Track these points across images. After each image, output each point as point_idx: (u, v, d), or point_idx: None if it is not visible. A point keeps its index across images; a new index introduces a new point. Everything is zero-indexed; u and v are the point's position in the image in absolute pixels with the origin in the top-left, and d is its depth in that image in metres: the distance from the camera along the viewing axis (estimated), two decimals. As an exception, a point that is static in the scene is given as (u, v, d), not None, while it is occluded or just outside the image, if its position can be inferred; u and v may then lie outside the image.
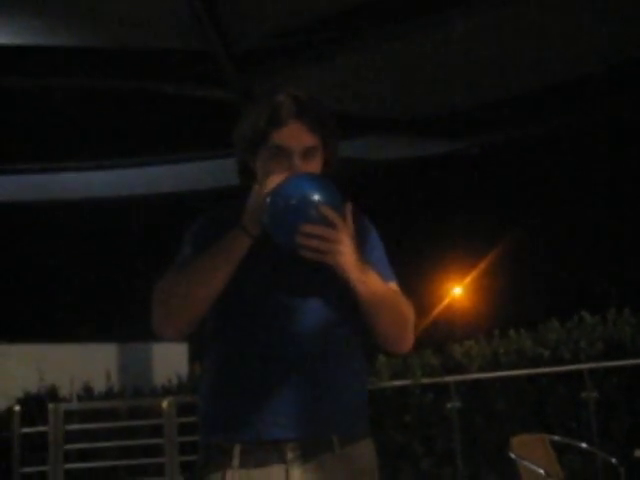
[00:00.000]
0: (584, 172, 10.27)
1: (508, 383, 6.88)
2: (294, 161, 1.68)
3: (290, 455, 1.62)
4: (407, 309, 1.77)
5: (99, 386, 8.59)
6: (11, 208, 8.56)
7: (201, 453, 1.72)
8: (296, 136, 1.70)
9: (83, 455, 6.46)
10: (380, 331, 1.75)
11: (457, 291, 13.16)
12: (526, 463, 4.78)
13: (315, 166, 1.73)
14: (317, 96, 1.80)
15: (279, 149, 1.69)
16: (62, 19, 5.23)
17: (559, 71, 6.57)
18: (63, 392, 8.52)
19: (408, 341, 1.80)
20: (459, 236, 10.89)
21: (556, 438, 5.15)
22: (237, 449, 1.63)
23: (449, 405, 6.90)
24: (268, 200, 1.57)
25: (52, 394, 8.31)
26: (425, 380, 7.12)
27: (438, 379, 7.08)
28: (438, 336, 8.20)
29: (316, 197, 1.55)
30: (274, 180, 1.61)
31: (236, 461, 1.63)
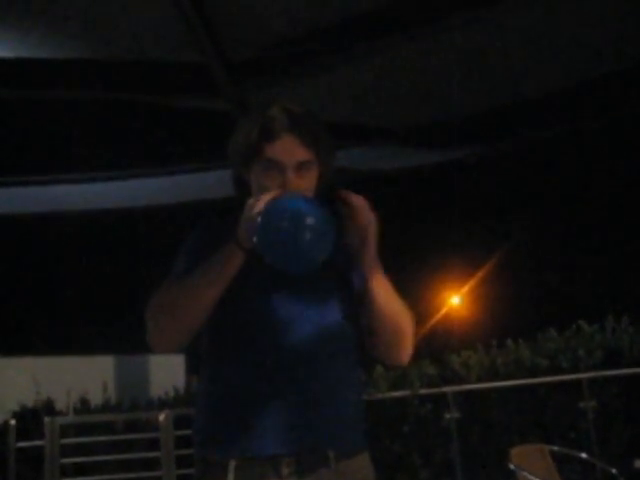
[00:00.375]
0: (582, 181, 10.28)
1: (506, 393, 6.86)
2: (287, 176, 1.66)
3: (285, 471, 1.60)
4: (409, 320, 1.77)
5: (96, 399, 8.55)
6: (8, 220, 8.54)
7: (197, 467, 1.70)
8: (289, 150, 1.67)
9: (80, 469, 6.42)
10: (382, 341, 1.74)
11: (455, 300, 13.15)
12: (526, 474, 4.75)
13: (309, 180, 1.70)
14: (311, 109, 1.77)
15: (272, 163, 1.67)
16: (57, 32, 5.23)
17: (555, 79, 6.57)
18: (60, 405, 8.48)
19: (408, 353, 1.79)
20: (456, 245, 10.89)
21: (555, 448, 5.12)
22: (232, 464, 1.61)
23: (447, 416, 6.87)
24: (259, 220, 1.53)
25: (48, 407, 8.27)
26: (423, 391, 7.10)
27: (436, 390, 7.05)
28: (436, 346, 8.18)
29: (308, 220, 1.52)
30: (265, 199, 1.58)
31: (231, 476, 1.60)
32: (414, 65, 6.14)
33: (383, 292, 1.70)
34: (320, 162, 1.73)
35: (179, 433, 5.65)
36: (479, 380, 7.04)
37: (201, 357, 1.75)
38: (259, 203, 1.58)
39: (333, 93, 6.30)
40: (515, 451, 4.99)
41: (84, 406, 8.35)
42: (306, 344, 1.65)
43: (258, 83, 5.58)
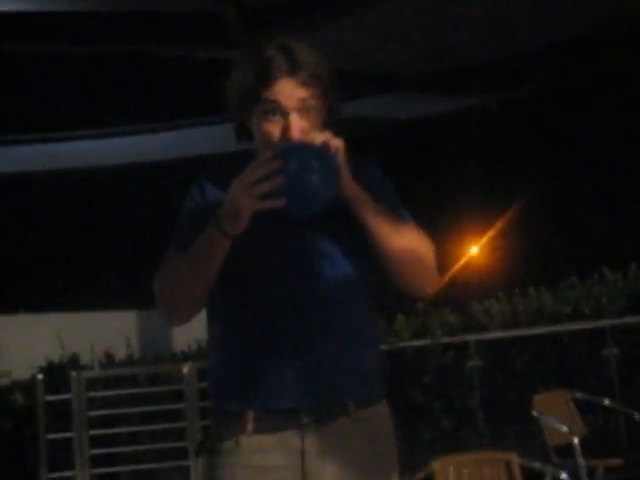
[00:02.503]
0: (608, 125, 10.07)
1: (529, 341, 6.84)
2: (289, 118, 1.58)
3: (305, 420, 1.59)
4: (424, 246, 1.68)
5: (120, 353, 8.64)
6: (22, 178, 8.56)
7: (212, 419, 1.69)
8: (288, 91, 1.58)
9: (106, 421, 6.52)
10: (397, 274, 1.66)
11: (475, 250, 13.08)
12: (548, 420, 4.76)
13: (314, 120, 1.62)
14: (323, 54, 1.67)
15: (271, 106, 1.59)
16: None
17: (578, 24, 6.41)
18: (85, 360, 8.59)
19: (431, 282, 1.72)
20: (477, 194, 10.77)
21: (578, 395, 5.12)
22: (251, 414, 1.60)
23: (469, 364, 6.88)
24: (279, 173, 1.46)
25: (74, 362, 8.38)
26: (445, 339, 7.09)
27: (458, 338, 7.04)
28: (457, 295, 8.14)
29: (313, 162, 1.48)
30: (255, 169, 1.49)
31: (250, 426, 1.59)
32: (431, 11, 6.01)
33: (379, 221, 1.60)
34: (324, 99, 1.64)
35: (203, 385, 5.72)
36: (501, 328, 7.02)
37: (212, 308, 1.71)
38: (248, 175, 1.49)
39: (349, 41, 6.19)
40: (538, 398, 5.00)
41: (109, 360, 8.44)
42: (321, 293, 1.62)
43: (274, 32, 5.48)
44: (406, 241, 1.64)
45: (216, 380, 1.69)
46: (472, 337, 6.95)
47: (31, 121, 7.67)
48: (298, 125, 1.58)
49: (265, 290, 1.63)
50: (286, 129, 1.58)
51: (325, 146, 1.52)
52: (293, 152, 1.50)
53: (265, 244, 1.63)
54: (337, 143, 1.53)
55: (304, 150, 1.51)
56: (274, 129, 1.59)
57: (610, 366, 6.33)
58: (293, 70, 1.59)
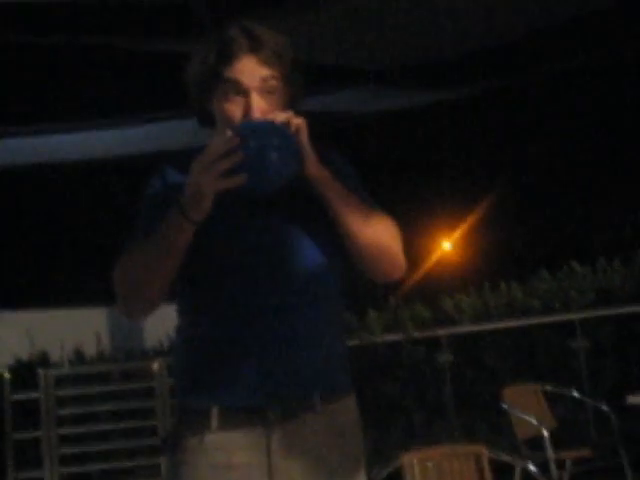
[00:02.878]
0: (568, 119, 10.18)
1: (499, 335, 6.89)
2: (251, 98, 1.55)
3: (271, 416, 1.57)
4: (389, 228, 1.65)
5: (90, 350, 8.54)
6: None
7: (177, 416, 1.67)
8: (249, 70, 1.56)
9: (76, 419, 6.45)
10: (369, 256, 1.62)
11: (446, 245, 13.15)
12: (518, 413, 4.81)
13: (277, 101, 1.59)
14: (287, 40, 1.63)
15: (233, 85, 1.56)
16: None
17: (544, 16, 6.45)
18: (54, 357, 8.48)
19: (397, 265, 1.67)
20: (446, 189, 10.82)
21: (547, 387, 5.17)
22: (215, 411, 1.57)
23: (441, 358, 6.91)
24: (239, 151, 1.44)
25: (43, 360, 8.27)
26: (416, 334, 7.11)
27: (430, 333, 7.07)
28: (428, 290, 8.17)
29: (273, 139, 1.47)
30: (214, 147, 1.46)
31: (215, 422, 1.56)
32: (402, 3, 6.01)
33: (345, 204, 1.57)
34: (287, 82, 1.61)
35: (174, 382, 5.66)
36: (472, 322, 7.06)
37: (180, 302, 1.68)
38: (207, 152, 1.45)
39: (319, 32, 6.16)
40: (507, 391, 5.05)
41: (78, 358, 8.35)
42: (285, 286, 1.58)
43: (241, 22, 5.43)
44: (372, 225, 1.61)
45: (181, 375, 1.66)
46: (443, 331, 6.98)
47: (5, 114, 7.55)
48: (259, 105, 1.56)
49: (230, 285, 1.59)
50: (247, 109, 1.55)
51: (286, 124, 1.50)
52: (252, 129, 1.48)
53: (230, 237, 1.60)
54: (298, 121, 1.51)
55: (263, 127, 1.49)
56: (235, 109, 1.56)
57: (579, 359, 6.41)
58: (255, 48, 1.56)
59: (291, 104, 1.63)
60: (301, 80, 1.65)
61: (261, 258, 1.59)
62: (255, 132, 1.47)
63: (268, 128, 1.49)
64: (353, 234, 1.59)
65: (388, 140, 10.13)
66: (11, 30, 5.39)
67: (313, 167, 1.54)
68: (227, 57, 1.56)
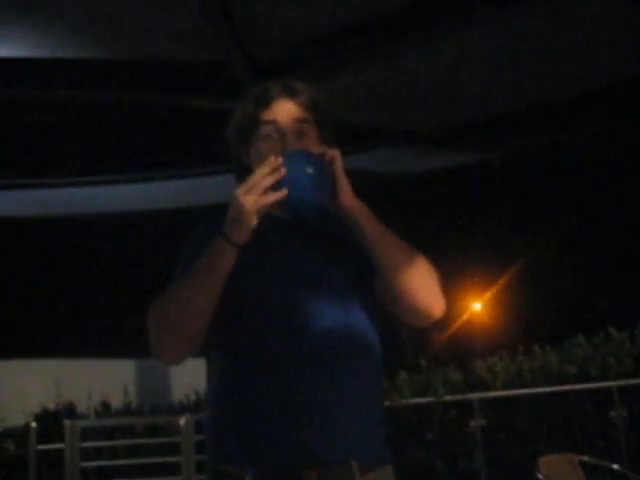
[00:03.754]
0: (613, 182, 10.09)
1: (533, 400, 6.72)
2: (287, 138, 1.61)
3: None
4: (427, 265, 1.62)
5: (117, 402, 8.51)
6: (20, 222, 8.54)
7: (208, 476, 1.59)
8: (285, 111, 1.63)
9: (100, 473, 6.38)
10: (411, 290, 1.57)
11: (478, 306, 13.00)
12: (555, 484, 4.62)
13: (308, 144, 1.62)
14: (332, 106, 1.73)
15: (270, 126, 1.62)
16: (81, 31, 5.19)
17: (577, 82, 6.47)
18: (81, 408, 8.45)
19: (441, 301, 1.63)
20: (480, 249, 10.74)
21: (586, 458, 4.98)
22: (249, 476, 1.48)
23: (472, 423, 6.74)
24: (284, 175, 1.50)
25: (69, 410, 8.25)
26: (448, 397, 6.96)
27: (461, 396, 6.92)
28: (459, 352, 8.04)
29: (307, 168, 1.52)
30: (257, 172, 1.51)
31: None
32: (432, 67, 6.06)
33: (383, 235, 1.57)
34: (319, 128, 1.67)
35: (200, 438, 5.58)
36: (505, 387, 6.90)
37: (210, 358, 1.63)
38: (253, 179, 1.50)
39: (355, 94, 6.23)
40: (543, 460, 4.85)
41: (105, 409, 8.31)
42: (327, 348, 1.52)
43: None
44: (411, 258, 1.60)
45: (213, 435, 1.58)
46: (475, 395, 6.82)
47: (27, 166, 7.68)
48: (294, 145, 1.61)
49: (267, 341, 1.53)
50: (283, 147, 1.60)
51: (322, 155, 1.54)
52: (291, 156, 1.53)
53: (267, 290, 1.57)
54: (333, 153, 1.55)
55: (300, 154, 1.55)
56: (272, 150, 1.59)
57: (617, 429, 6.20)
58: (290, 93, 1.65)
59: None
60: (332, 130, 1.71)
61: (304, 319, 1.54)
62: (293, 158, 1.53)
63: (305, 156, 1.54)
64: (391, 268, 1.57)
65: (418, 201, 10.13)
66: (47, 84, 5.52)
67: (348, 197, 1.55)
68: (265, 102, 1.64)
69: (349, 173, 1.64)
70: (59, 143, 6.85)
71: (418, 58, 5.90)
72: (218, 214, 1.67)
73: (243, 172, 1.66)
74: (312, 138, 1.64)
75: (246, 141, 1.66)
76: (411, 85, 6.25)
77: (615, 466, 5.10)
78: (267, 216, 1.54)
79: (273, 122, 1.62)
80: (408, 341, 8.66)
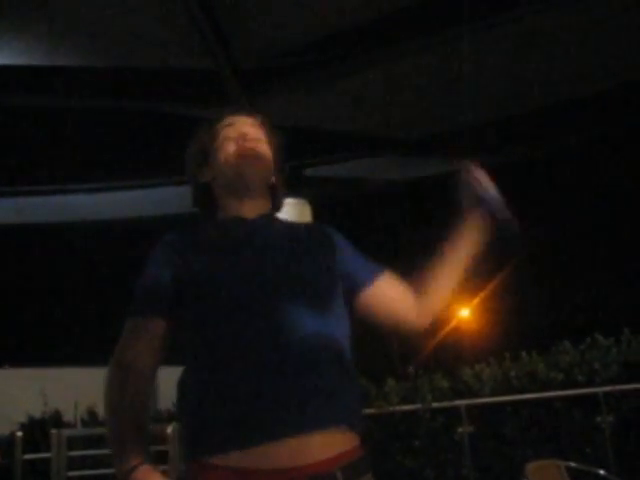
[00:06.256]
0: (595, 190, 10.17)
1: (521, 407, 6.74)
2: (247, 136, 1.74)
3: None
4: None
5: (103, 411, 8.47)
6: (9, 230, 8.49)
7: (188, 468, 1.54)
8: (243, 118, 1.79)
9: (86, 482, 6.33)
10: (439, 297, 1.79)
11: (465, 313, 13.03)
12: (542, 490, 4.63)
13: (263, 139, 1.78)
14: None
15: (229, 127, 1.76)
16: (68, 39, 5.19)
17: (572, 88, 6.50)
18: (67, 416, 8.40)
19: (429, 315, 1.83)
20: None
21: (572, 464, 5.00)
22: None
23: (460, 429, 6.75)
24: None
25: (56, 419, 8.20)
26: (435, 404, 6.97)
27: (449, 403, 6.93)
28: (447, 359, 8.05)
29: None
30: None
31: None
32: (425, 73, 6.08)
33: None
34: (270, 144, 1.79)
35: (187, 446, 5.55)
36: (492, 393, 6.91)
37: (186, 361, 1.60)
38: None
39: (344, 102, 6.24)
40: (531, 466, 4.88)
41: (92, 418, 8.27)
42: (305, 337, 1.52)
43: (268, 92, 5.51)
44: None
45: (191, 438, 1.53)
46: (463, 402, 6.84)
47: (19, 174, 7.66)
48: (254, 132, 1.76)
49: (238, 333, 1.51)
50: (243, 136, 1.73)
51: None
52: None
53: (240, 283, 1.56)
54: None
55: None
56: (231, 144, 1.74)
57: (604, 434, 6.22)
58: (249, 114, 1.82)
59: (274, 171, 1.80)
60: (284, 166, 1.84)
61: (284, 324, 1.52)
62: None
63: None
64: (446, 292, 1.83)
65: (406, 209, 10.16)
66: (39, 91, 5.51)
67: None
68: (227, 121, 1.79)
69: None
70: (41, 151, 6.82)
71: (404, 66, 5.92)
72: (189, 223, 1.73)
73: (201, 194, 1.80)
74: (267, 145, 1.77)
75: (206, 157, 1.78)
76: (398, 93, 6.26)
77: (601, 471, 5.13)
78: (242, 220, 1.68)
79: (232, 124, 1.76)
80: (396, 348, 8.67)
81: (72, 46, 5.26)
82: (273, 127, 1.83)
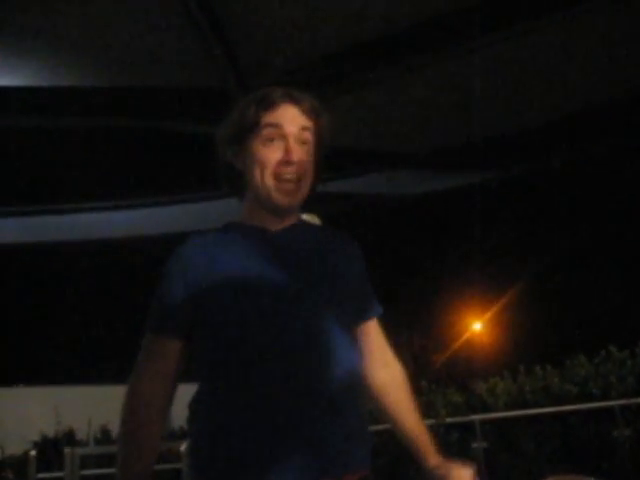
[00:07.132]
0: (608, 203, 10.11)
1: (535, 421, 6.67)
2: (289, 143, 1.59)
3: None
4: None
5: (116, 429, 8.45)
6: (20, 249, 8.52)
7: None
8: (290, 116, 1.60)
9: (100, 501, 6.32)
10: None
11: (478, 326, 12.96)
12: (559, 506, 4.58)
13: (308, 151, 1.63)
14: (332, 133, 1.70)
15: (274, 129, 1.59)
16: (75, 59, 5.23)
17: (574, 101, 6.49)
18: (81, 435, 8.39)
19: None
20: (480, 269, 10.73)
21: (591, 479, 4.94)
22: None
23: (475, 445, 6.68)
24: None
25: (69, 437, 8.20)
26: (449, 419, 6.91)
27: (463, 418, 6.87)
28: (461, 373, 7.99)
29: None
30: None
31: None
32: (433, 88, 6.09)
33: None
34: (318, 132, 1.66)
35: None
36: (507, 408, 6.85)
37: (201, 381, 1.60)
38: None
39: (354, 119, 6.26)
40: (548, 482, 4.82)
41: (105, 436, 8.26)
42: (320, 371, 1.51)
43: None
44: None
45: (204, 468, 1.54)
46: (477, 417, 6.78)
47: (31, 193, 7.71)
48: (297, 151, 1.59)
49: (255, 367, 1.50)
50: (287, 152, 1.58)
51: None
52: None
53: (259, 315, 1.54)
54: None
55: None
56: (273, 154, 1.59)
57: (621, 447, 6.14)
58: (294, 100, 1.63)
59: (317, 153, 1.67)
60: (329, 131, 1.69)
61: (297, 343, 1.52)
62: None
63: None
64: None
65: (421, 221, 10.14)
66: (32, 113, 5.54)
67: None
68: (268, 105, 1.60)
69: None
70: (49, 171, 6.87)
71: (416, 81, 5.93)
72: (202, 232, 1.69)
73: (231, 176, 1.67)
74: (309, 148, 1.63)
75: (241, 142, 1.63)
76: (410, 108, 6.27)
77: (619, 487, 5.07)
78: (265, 232, 1.62)
79: (277, 126, 1.59)
80: (410, 363, 8.61)
81: (84, 66, 5.30)
82: (317, 105, 1.66)
